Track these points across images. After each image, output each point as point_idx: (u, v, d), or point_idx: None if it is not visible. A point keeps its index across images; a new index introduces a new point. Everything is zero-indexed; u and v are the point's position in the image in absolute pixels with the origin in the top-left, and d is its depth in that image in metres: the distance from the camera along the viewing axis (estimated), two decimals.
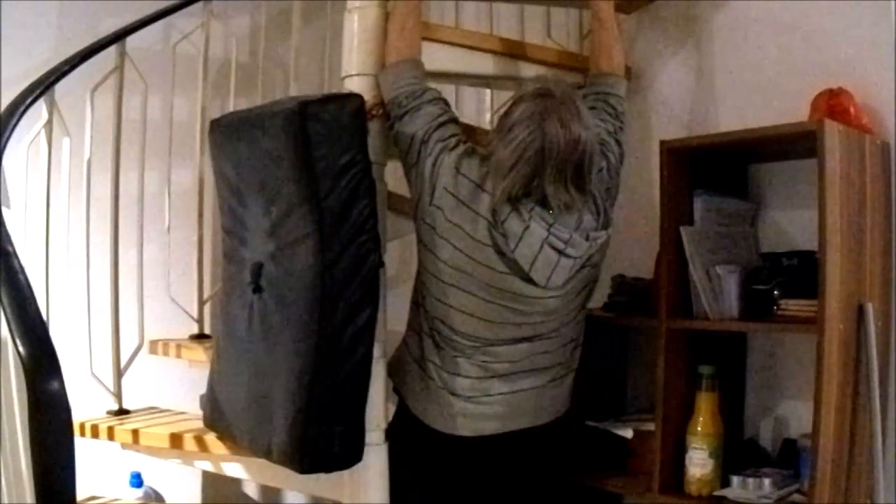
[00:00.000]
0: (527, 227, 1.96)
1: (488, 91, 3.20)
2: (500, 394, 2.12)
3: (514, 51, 2.47)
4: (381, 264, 2.06)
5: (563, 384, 2.20)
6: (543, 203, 1.96)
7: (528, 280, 2.00)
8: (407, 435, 2.19)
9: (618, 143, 2.19)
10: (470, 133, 2.35)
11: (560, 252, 1.98)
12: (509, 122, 1.95)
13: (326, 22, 3.07)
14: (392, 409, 2.24)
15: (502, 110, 2.08)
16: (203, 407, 2.40)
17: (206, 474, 3.00)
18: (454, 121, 2.13)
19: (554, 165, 1.90)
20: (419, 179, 2.07)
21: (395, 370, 2.21)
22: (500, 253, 1.99)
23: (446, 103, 2.15)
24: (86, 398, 2.51)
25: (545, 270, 1.99)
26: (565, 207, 1.96)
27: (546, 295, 2.03)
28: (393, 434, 2.19)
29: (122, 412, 2.64)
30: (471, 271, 2.02)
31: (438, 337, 2.11)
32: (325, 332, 1.95)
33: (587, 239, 2.01)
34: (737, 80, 2.56)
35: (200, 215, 2.86)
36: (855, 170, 2.10)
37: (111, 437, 2.52)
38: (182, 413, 2.71)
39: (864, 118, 2.21)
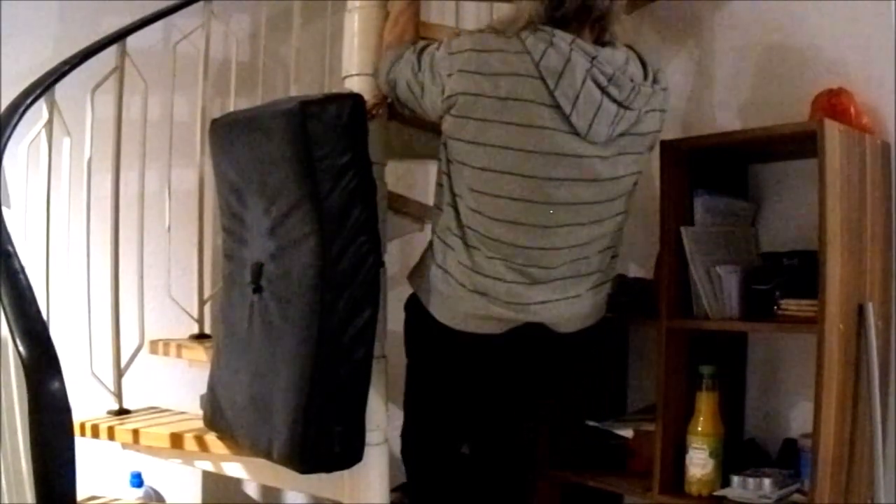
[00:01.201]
0: (568, 60, 1.88)
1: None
2: (538, 303, 2.02)
3: None
4: (382, 264, 2.06)
5: (602, 292, 2.12)
6: (579, 32, 1.91)
7: (571, 131, 1.90)
8: (427, 339, 2.14)
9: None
10: None
11: (603, 90, 1.90)
12: None
13: (327, 22, 3.07)
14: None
15: None
16: (203, 407, 2.40)
17: (206, 474, 3.00)
18: (431, 42, 2.08)
19: None
20: (431, 97, 2.01)
21: (416, 276, 2.14)
22: (537, 102, 1.90)
23: (416, 42, 2.14)
24: (86, 398, 2.51)
25: (588, 111, 1.89)
26: (600, 14, 1.91)
27: (589, 152, 1.93)
28: (410, 329, 2.18)
29: (122, 412, 2.64)
30: (502, 142, 1.91)
31: (475, 237, 1.99)
32: (325, 331, 1.95)
33: (632, 83, 1.93)
34: (737, 79, 2.56)
35: (201, 215, 2.86)
36: (855, 170, 2.10)
37: (111, 436, 2.52)
38: (182, 413, 2.71)
39: (865, 118, 2.21)
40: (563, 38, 1.90)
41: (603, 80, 1.90)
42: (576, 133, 1.91)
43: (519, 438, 2.35)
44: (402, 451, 2.28)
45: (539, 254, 2.00)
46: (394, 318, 2.23)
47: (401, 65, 2.08)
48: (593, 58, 1.90)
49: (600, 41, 1.95)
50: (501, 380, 2.16)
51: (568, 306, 2.05)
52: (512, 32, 1.94)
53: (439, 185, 2.08)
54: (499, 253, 1.99)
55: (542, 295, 2.02)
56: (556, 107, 1.90)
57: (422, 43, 2.09)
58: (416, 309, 2.14)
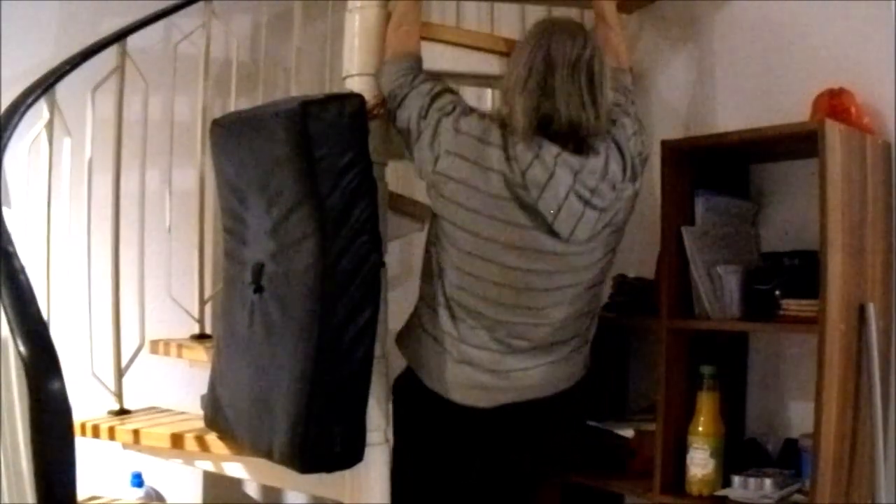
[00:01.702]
0: (552, 175, 1.93)
1: (489, 91, 3.20)
2: (521, 369, 2.08)
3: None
4: (382, 264, 2.06)
5: (581, 354, 2.16)
6: (561, 135, 1.95)
7: (552, 233, 1.97)
8: (416, 405, 2.17)
9: (640, 123, 2.17)
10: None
11: (586, 202, 1.95)
12: (518, 47, 2.00)
13: (327, 22, 3.07)
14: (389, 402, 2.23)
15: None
16: (204, 407, 2.40)
17: (207, 474, 3.00)
18: (449, 90, 2.11)
19: (563, 68, 1.91)
20: (423, 153, 2.05)
21: (405, 342, 2.18)
22: (522, 206, 1.96)
23: (436, 77, 2.14)
24: (87, 398, 2.51)
25: (570, 221, 1.96)
26: (577, 127, 1.94)
27: (569, 251, 2.00)
28: (400, 405, 2.19)
29: (123, 412, 2.64)
30: (489, 233, 1.99)
31: (458, 309, 2.07)
32: (325, 331, 1.95)
33: (613, 189, 1.98)
34: (738, 79, 2.56)
35: (201, 215, 2.86)
36: (856, 170, 2.10)
37: (112, 437, 2.52)
38: (183, 413, 2.71)
39: (866, 118, 2.20)
40: (549, 150, 1.95)
41: (586, 194, 1.96)
42: (557, 237, 1.98)
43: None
44: None
45: (521, 328, 2.07)
46: (394, 318, 2.23)
47: (411, 95, 2.08)
48: (577, 172, 1.95)
49: (586, 151, 1.98)
50: (487, 453, 2.18)
51: (548, 371, 2.11)
52: (508, 131, 1.98)
53: (426, 252, 2.14)
54: (481, 324, 2.06)
55: (524, 362, 2.09)
56: (539, 213, 1.96)
57: (437, 86, 2.10)
58: (406, 384, 2.19)
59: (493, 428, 2.13)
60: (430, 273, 2.13)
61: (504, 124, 2.00)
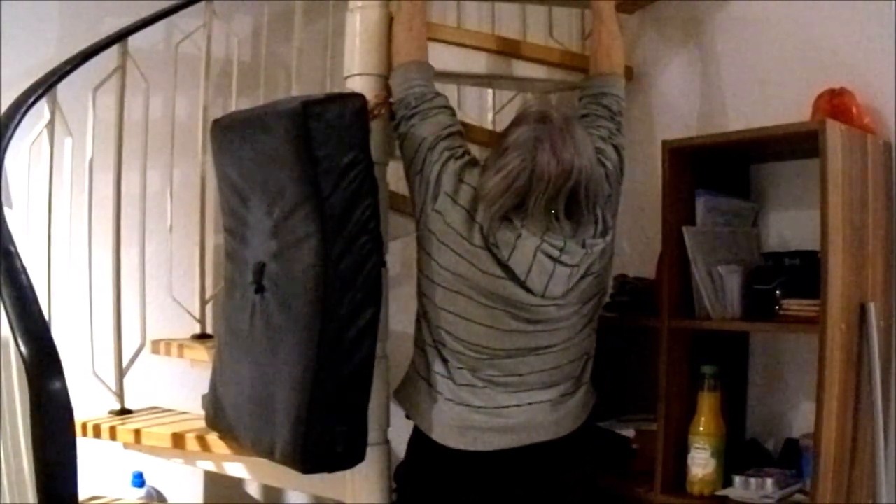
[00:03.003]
0: (519, 236, 1.96)
1: (490, 91, 3.20)
2: (512, 406, 2.08)
3: (515, 50, 2.47)
4: (384, 264, 2.06)
5: (575, 398, 2.15)
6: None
7: (526, 289, 1.99)
8: (421, 459, 2.16)
9: (615, 147, 2.17)
10: (469, 131, 2.36)
11: (555, 260, 1.97)
12: (504, 145, 1.96)
13: (328, 21, 3.07)
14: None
15: (504, 129, 2.06)
16: (205, 407, 2.40)
17: (208, 474, 3.00)
18: (460, 133, 2.14)
19: (544, 193, 1.91)
20: (423, 185, 2.07)
21: (403, 392, 2.19)
22: (497, 260, 1.99)
23: (453, 113, 2.17)
24: (88, 398, 2.51)
25: (541, 279, 1.98)
26: (546, 230, 1.96)
27: (546, 303, 2.02)
28: (409, 461, 2.19)
29: (124, 412, 2.64)
30: (471, 277, 2.01)
31: (444, 349, 2.08)
32: (327, 331, 1.95)
33: (583, 246, 1.99)
34: (739, 79, 2.56)
35: (202, 215, 2.86)
36: (857, 170, 2.10)
37: (113, 436, 2.52)
38: (184, 413, 2.71)
39: (866, 118, 2.20)
40: (516, 214, 1.96)
41: (555, 253, 1.97)
42: (532, 292, 1.99)
43: None
44: None
45: (509, 366, 2.07)
46: (395, 318, 2.24)
47: (427, 122, 2.09)
48: (543, 232, 1.96)
49: (575, 217, 1.98)
50: (490, 497, 2.13)
51: (540, 411, 2.10)
52: None
53: (418, 295, 2.15)
54: (467, 365, 2.07)
55: (514, 399, 2.09)
56: (512, 270, 1.98)
57: (453, 126, 2.12)
58: (409, 456, 2.20)
59: (494, 475, 2.10)
60: (419, 314, 2.15)
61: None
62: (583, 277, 2.03)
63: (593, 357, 2.19)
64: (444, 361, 2.09)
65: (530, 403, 2.09)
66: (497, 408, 2.07)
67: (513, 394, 2.08)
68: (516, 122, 1.98)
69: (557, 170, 1.89)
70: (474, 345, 2.05)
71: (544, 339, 2.07)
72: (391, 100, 2.18)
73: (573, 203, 1.94)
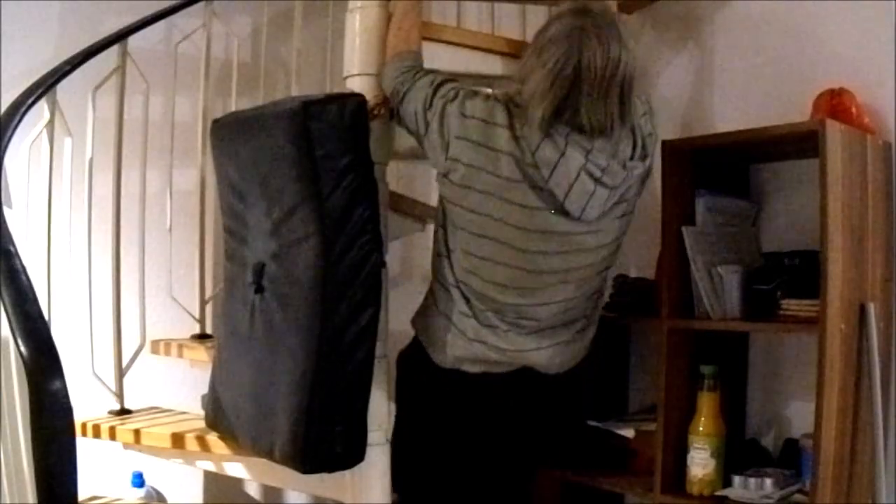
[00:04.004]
0: (562, 155, 1.90)
1: (490, 91, 3.19)
2: (532, 349, 2.08)
3: (515, 51, 2.47)
4: (383, 264, 2.06)
5: (586, 337, 2.16)
6: (580, 128, 1.90)
7: (562, 212, 1.94)
8: (422, 378, 2.17)
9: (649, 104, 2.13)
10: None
11: (597, 180, 1.92)
12: (543, 40, 1.89)
13: (328, 22, 3.07)
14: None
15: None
16: (205, 407, 2.40)
17: (207, 474, 3.00)
18: (450, 80, 2.09)
19: (591, 85, 1.84)
20: (434, 142, 2.02)
21: (419, 320, 2.18)
22: (532, 186, 1.93)
23: (437, 71, 2.13)
24: (87, 398, 2.50)
25: (580, 200, 1.93)
26: (600, 131, 1.89)
27: (580, 230, 1.98)
28: (405, 378, 2.20)
29: (123, 412, 2.64)
30: (501, 215, 1.96)
31: (468, 290, 2.06)
32: (326, 331, 1.95)
33: (624, 167, 1.95)
34: (738, 79, 2.56)
35: (202, 215, 2.86)
36: (856, 170, 2.10)
37: (113, 436, 2.52)
38: (184, 413, 2.71)
39: (866, 118, 2.21)
40: (558, 130, 1.91)
41: (597, 173, 1.93)
42: (568, 215, 1.96)
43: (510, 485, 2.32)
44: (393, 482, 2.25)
45: (529, 310, 2.06)
46: (395, 318, 2.23)
47: (414, 88, 2.07)
48: (588, 151, 1.92)
49: (622, 114, 1.93)
50: (491, 420, 2.17)
51: (556, 352, 2.11)
52: (514, 112, 1.95)
53: (436, 232, 2.14)
54: (490, 307, 2.06)
55: (533, 343, 2.09)
56: (550, 192, 1.94)
57: (438, 77, 2.08)
58: (412, 358, 2.19)
59: (499, 396, 2.12)
60: (440, 252, 2.11)
61: (509, 104, 1.97)
62: (616, 204, 1.99)
63: (603, 295, 2.20)
64: (468, 301, 2.07)
65: (548, 346, 2.09)
66: (518, 351, 2.08)
67: (533, 337, 2.08)
68: (553, 19, 1.93)
69: (604, 59, 1.83)
70: (502, 286, 2.02)
71: (571, 276, 2.04)
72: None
73: (619, 100, 1.87)
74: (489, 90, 2.05)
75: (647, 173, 2.07)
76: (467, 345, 2.07)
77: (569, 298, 2.07)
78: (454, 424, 2.17)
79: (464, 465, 2.19)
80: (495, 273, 2.01)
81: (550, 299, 2.06)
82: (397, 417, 2.23)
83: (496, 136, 1.95)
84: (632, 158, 1.98)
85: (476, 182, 1.97)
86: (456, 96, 2.02)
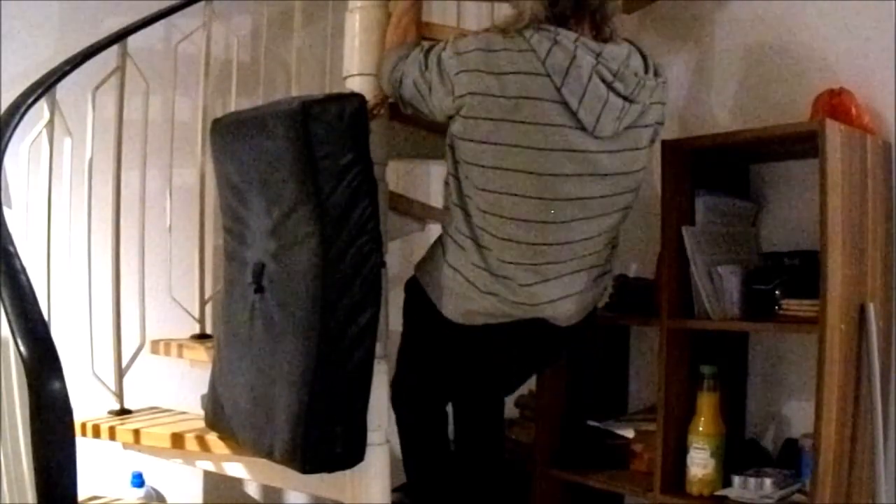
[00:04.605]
0: (573, 57, 1.90)
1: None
2: (547, 302, 2.06)
3: None
4: (383, 264, 2.06)
5: (601, 284, 2.16)
6: (580, 30, 1.93)
7: (578, 127, 1.92)
8: (428, 323, 2.17)
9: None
10: None
11: (609, 85, 1.92)
12: None
13: (328, 22, 3.07)
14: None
15: None
16: (205, 407, 2.40)
17: (207, 474, 3.00)
18: (438, 43, 2.09)
19: None
20: (438, 93, 2.02)
21: (425, 268, 2.17)
22: (544, 100, 1.92)
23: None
24: (87, 398, 2.50)
25: (595, 107, 1.91)
26: (600, 17, 1.93)
27: (595, 147, 1.95)
28: (411, 317, 2.23)
29: (123, 412, 2.64)
30: (513, 139, 1.94)
31: (485, 237, 2.03)
32: (326, 332, 1.95)
33: (636, 76, 1.95)
34: (738, 79, 2.56)
35: (202, 215, 2.86)
36: (856, 170, 2.10)
37: (112, 436, 2.52)
38: (183, 413, 2.71)
39: (866, 118, 2.21)
40: (566, 35, 1.92)
41: (608, 76, 1.92)
42: (583, 129, 1.93)
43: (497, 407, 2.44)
44: (392, 399, 2.27)
45: (550, 249, 2.02)
46: (395, 318, 2.23)
47: (407, 63, 2.08)
48: (598, 54, 1.92)
49: (602, 37, 1.97)
50: (496, 358, 2.21)
51: (572, 302, 2.09)
52: (516, 31, 1.95)
53: (446, 184, 2.11)
54: (510, 254, 2.02)
55: (551, 293, 2.06)
56: (564, 103, 1.92)
57: (427, 43, 2.10)
58: (419, 294, 2.18)
59: (507, 340, 2.13)
60: (452, 203, 2.09)
61: (501, 30, 1.98)
62: (632, 126, 1.98)
63: (616, 245, 2.18)
64: (482, 250, 2.04)
65: (565, 296, 2.08)
66: (531, 305, 2.06)
67: (551, 285, 2.06)
68: None
69: None
70: (526, 221, 1.99)
71: (588, 207, 2.01)
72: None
73: None
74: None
75: (664, 98, 2.05)
76: (479, 297, 2.05)
77: (588, 238, 2.04)
78: (455, 357, 2.19)
79: (460, 388, 2.28)
80: (513, 206, 1.98)
81: (572, 237, 2.03)
82: (402, 335, 2.27)
83: (498, 59, 1.94)
84: (645, 72, 1.98)
85: (483, 110, 1.95)
86: (447, 44, 2.03)
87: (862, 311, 2.08)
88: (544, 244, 2.02)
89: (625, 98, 1.94)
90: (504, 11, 2.93)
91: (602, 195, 2.01)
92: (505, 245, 2.02)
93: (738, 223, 2.43)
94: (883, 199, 2.19)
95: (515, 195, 1.98)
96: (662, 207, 2.33)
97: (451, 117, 2.02)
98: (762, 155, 2.45)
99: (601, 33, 1.97)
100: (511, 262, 2.03)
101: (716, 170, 2.40)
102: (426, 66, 2.04)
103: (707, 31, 2.65)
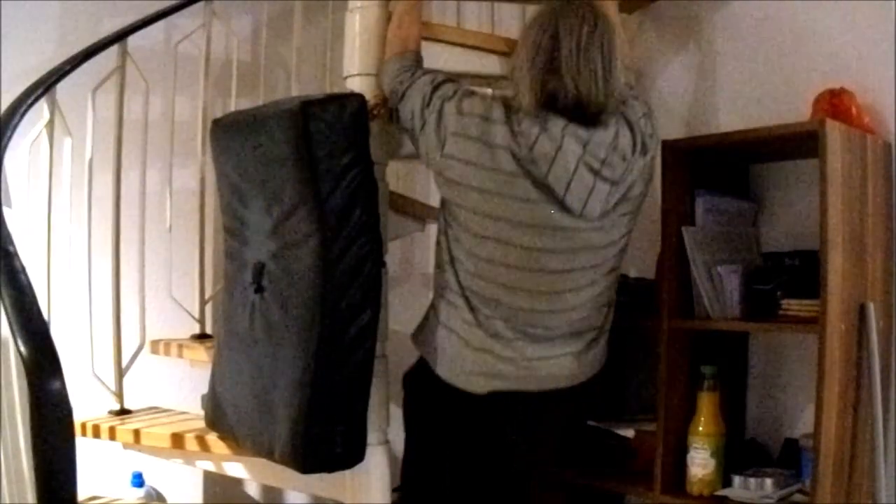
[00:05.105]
0: (559, 147, 1.91)
1: (490, 91, 3.19)
2: (540, 359, 2.05)
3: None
4: (383, 264, 2.06)
5: (598, 346, 2.14)
6: (569, 108, 1.91)
7: (564, 208, 1.94)
8: (428, 398, 2.16)
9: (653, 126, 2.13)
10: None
11: (596, 173, 1.92)
12: (524, 31, 1.97)
13: (328, 22, 3.07)
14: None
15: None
16: (204, 407, 2.40)
17: (207, 474, 3.00)
18: (449, 80, 2.10)
19: (572, 44, 1.88)
20: (429, 139, 2.03)
21: (420, 337, 2.16)
22: (532, 181, 1.93)
23: (437, 71, 2.14)
24: (87, 398, 2.51)
25: (581, 194, 1.93)
26: (588, 101, 1.90)
27: (583, 226, 1.96)
28: (412, 398, 2.20)
29: (123, 412, 2.64)
30: (503, 213, 1.96)
31: (476, 298, 2.04)
32: (326, 332, 1.95)
33: (624, 160, 1.95)
34: (738, 79, 2.56)
35: (202, 215, 2.86)
36: (856, 170, 2.10)
37: (112, 436, 2.52)
38: (183, 413, 2.71)
39: (866, 118, 2.21)
40: (555, 123, 1.93)
41: (596, 165, 1.93)
42: (570, 212, 1.95)
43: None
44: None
45: (538, 316, 2.04)
46: (395, 318, 2.23)
47: (413, 88, 2.07)
48: (585, 143, 1.92)
49: (593, 122, 1.95)
50: (497, 440, 2.14)
51: (566, 362, 2.09)
52: (512, 110, 1.97)
53: (438, 243, 2.12)
54: (498, 313, 2.04)
55: (542, 351, 2.06)
56: (550, 187, 1.93)
57: (438, 77, 2.09)
58: (417, 378, 2.18)
59: (506, 416, 2.10)
60: (443, 263, 2.10)
61: (508, 104, 1.98)
62: (620, 201, 1.99)
63: (613, 306, 2.17)
64: (473, 310, 2.04)
65: (558, 356, 2.07)
66: (525, 360, 2.05)
67: (543, 346, 2.06)
68: (534, 14, 2.00)
69: (579, 24, 1.89)
70: (511, 288, 2.01)
71: (579, 277, 2.02)
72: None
73: (601, 60, 1.89)
74: (488, 90, 2.04)
75: (650, 173, 2.06)
76: (474, 356, 2.05)
77: (579, 305, 2.06)
78: (463, 443, 2.14)
79: (472, 482, 2.16)
80: (501, 275, 2.00)
81: (561, 306, 2.04)
82: (407, 439, 2.22)
83: (494, 131, 1.95)
84: (633, 153, 1.98)
85: (474, 179, 1.96)
86: (454, 94, 2.02)
87: (862, 310, 2.08)
88: (532, 310, 2.04)
89: (612, 182, 1.96)
90: (504, 12, 2.96)
91: (589, 266, 2.03)
92: (492, 305, 2.03)
93: (739, 223, 2.42)
94: (883, 199, 2.19)
95: (502, 264, 2.00)
96: (662, 207, 2.33)
97: (436, 173, 2.04)
98: (762, 155, 2.45)
99: (593, 120, 1.95)
100: (498, 321, 2.04)
101: (716, 170, 2.40)
102: (428, 103, 2.04)
103: (707, 31, 2.65)
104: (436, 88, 2.05)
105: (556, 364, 2.07)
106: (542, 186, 1.93)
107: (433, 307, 2.15)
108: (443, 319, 2.10)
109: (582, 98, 1.90)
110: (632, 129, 1.99)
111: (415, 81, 2.07)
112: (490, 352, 2.04)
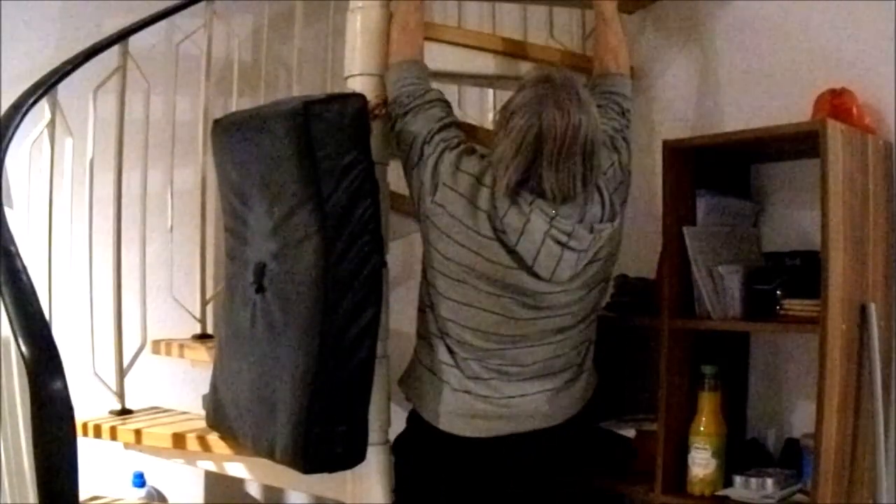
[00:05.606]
0: (527, 221, 1.95)
1: (491, 91, 3.20)
2: (518, 396, 2.10)
3: (516, 51, 2.47)
4: (384, 264, 2.06)
5: (577, 385, 2.17)
6: (543, 194, 1.95)
7: (534, 274, 1.99)
8: (421, 445, 2.17)
9: (625, 141, 2.19)
10: (472, 132, 2.35)
11: (563, 245, 1.97)
12: (509, 112, 1.96)
13: (329, 22, 3.07)
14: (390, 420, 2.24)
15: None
16: (206, 407, 2.40)
17: (208, 474, 3.01)
18: (456, 124, 2.14)
19: (553, 151, 1.90)
20: (420, 179, 2.07)
21: (405, 380, 2.20)
22: (505, 246, 1.98)
23: (448, 105, 2.16)
24: (88, 398, 2.51)
25: (549, 264, 1.98)
26: (563, 198, 1.95)
27: (554, 290, 2.02)
28: (406, 446, 2.20)
29: (124, 412, 2.64)
30: (477, 267, 2.01)
31: (450, 340, 2.08)
32: (327, 331, 1.95)
33: (591, 231, 2.00)
34: (739, 79, 2.56)
35: (203, 215, 2.86)
36: (857, 170, 2.10)
37: (114, 436, 2.52)
38: (185, 413, 2.71)
39: (867, 118, 2.20)
40: (525, 198, 1.96)
41: (563, 238, 1.97)
42: (539, 278, 2.00)
43: None
44: None
45: (512, 355, 2.08)
46: (395, 318, 2.23)
47: (420, 115, 2.09)
48: (552, 218, 1.96)
49: (563, 198, 1.97)
50: (486, 482, 2.15)
51: (544, 399, 2.12)
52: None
53: (421, 286, 2.16)
54: (472, 355, 2.08)
55: (520, 389, 2.10)
56: (521, 256, 1.98)
57: (447, 117, 2.12)
58: (408, 441, 2.21)
59: (495, 460, 2.12)
60: (424, 306, 2.15)
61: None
62: (590, 263, 2.04)
63: (594, 342, 2.21)
64: (451, 352, 2.09)
65: (535, 393, 2.10)
66: (503, 398, 2.09)
67: (519, 384, 2.09)
68: (519, 89, 1.99)
69: (564, 124, 1.89)
70: (482, 332, 2.05)
71: (550, 325, 2.07)
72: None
73: (581, 164, 1.92)
74: (486, 151, 2.07)
75: (619, 234, 2.10)
76: (453, 396, 2.08)
77: (552, 350, 2.10)
78: (456, 490, 2.15)
79: None
80: (474, 319, 2.05)
81: (532, 348, 2.08)
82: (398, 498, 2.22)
83: (480, 194, 2.00)
84: (601, 221, 2.03)
85: (457, 234, 2.02)
86: (456, 146, 2.07)
87: (863, 311, 2.08)
88: (506, 350, 2.08)
89: (580, 251, 2.00)
90: (504, 12, 2.96)
91: (560, 326, 2.08)
92: (467, 349, 2.07)
93: (739, 223, 2.42)
94: (884, 199, 2.19)
95: (476, 308, 2.04)
96: (663, 207, 2.33)
97: (423, 215, 2.06)
98: (763, 155, 2.45)
99: (565, 198, 1.97)
100: (473, 362, 2.08)
101: (717, 170, 2.40)
102: (430, 140, 2.07)
103: (708, 31, 2.65)
104: (441, 129, 2.08)
105: (534, 401, 2.11)
106: (514, 253, 1.99)
107: (415, 351, 2.19)
108: (426, 362, 2.14)
109: (556, 195, 1.95)
110: (602, 198, 2.04)
111: (425, 109, 2.10)
112: (469, 392, 2.08)
